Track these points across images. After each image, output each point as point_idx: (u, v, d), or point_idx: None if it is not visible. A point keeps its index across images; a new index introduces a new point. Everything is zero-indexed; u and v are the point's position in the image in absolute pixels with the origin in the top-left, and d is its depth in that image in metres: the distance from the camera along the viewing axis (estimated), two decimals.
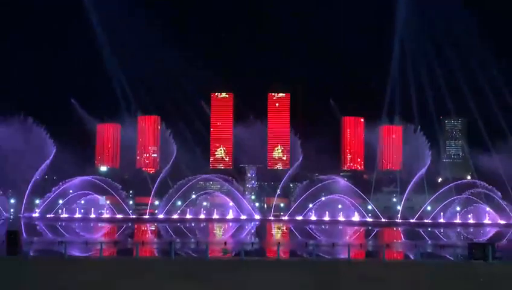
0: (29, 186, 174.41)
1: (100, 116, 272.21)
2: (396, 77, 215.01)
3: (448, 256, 66.28)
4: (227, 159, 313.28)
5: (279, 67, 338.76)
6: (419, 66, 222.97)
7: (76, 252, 64.14)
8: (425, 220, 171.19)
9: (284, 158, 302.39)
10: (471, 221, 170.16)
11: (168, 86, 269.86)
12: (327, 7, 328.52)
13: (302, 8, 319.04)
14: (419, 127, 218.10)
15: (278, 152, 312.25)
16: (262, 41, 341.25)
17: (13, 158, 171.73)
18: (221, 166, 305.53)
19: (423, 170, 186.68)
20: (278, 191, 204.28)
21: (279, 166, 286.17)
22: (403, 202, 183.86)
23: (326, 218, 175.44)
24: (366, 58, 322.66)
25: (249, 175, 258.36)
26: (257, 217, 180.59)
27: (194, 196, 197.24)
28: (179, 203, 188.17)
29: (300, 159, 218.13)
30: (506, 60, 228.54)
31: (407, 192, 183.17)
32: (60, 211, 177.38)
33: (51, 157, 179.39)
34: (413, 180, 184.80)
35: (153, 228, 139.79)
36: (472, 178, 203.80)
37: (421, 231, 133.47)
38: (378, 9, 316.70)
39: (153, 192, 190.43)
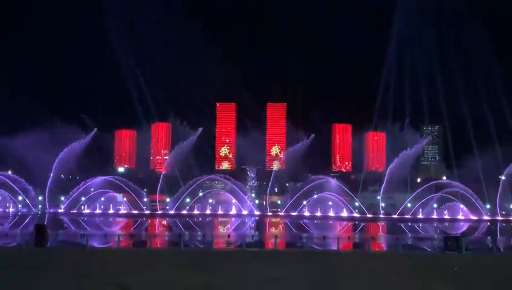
0: (48, 183, 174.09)
1: (117, 123, 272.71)
2: (385, 88, 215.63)
3: (426, 248, 66.14)
4: (230, 156, 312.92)
5: (279, 68, 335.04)
6: (404, 79, 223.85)
7: (96, 244, 64.02)
8: (406, 216, 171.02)
9: (281, 155, 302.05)
10: (446, 217, 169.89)
11: (178, 96, 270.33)
12: (326, 7, 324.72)
13: (302, 8, 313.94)
14: (401, 132, 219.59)
15: (275, 150, 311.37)
16: (262, 41, 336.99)
17: (43, 160, 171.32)
18: (225, 165, 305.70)
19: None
20: (269, 188, 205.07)
21: (275, 165, 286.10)
22: (381, 198, 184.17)
23: (318, 214, 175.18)
24: (363, 61, 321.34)
25: (250, 175, 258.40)
26: (257, 212, 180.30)
27: (201, 194, 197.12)
28: (188, 200, 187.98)
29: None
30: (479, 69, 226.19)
31: (382, 189, 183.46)
32: (82, 207, 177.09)
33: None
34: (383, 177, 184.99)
35: (165, 223, 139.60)
36: (447, 179, 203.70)
37: (402, 225, 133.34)
38: (375, 13, 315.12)
39: (158, 190, 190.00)
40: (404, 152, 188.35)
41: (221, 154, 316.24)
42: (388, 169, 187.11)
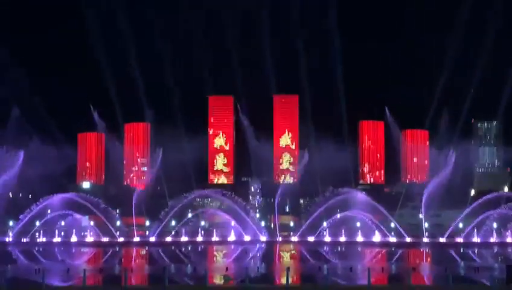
0: None
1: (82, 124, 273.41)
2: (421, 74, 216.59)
3: (483, 280, 66.20)
4: (227, 170, 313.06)
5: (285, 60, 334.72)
6: (445, 62, 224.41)
7: (56, 282, 64.20)
8: (457, 239, 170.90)
9: (291, 168, 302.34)
10: (510, 240, 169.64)
11: (159, 89, 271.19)
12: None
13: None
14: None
15: (286, 159, 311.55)
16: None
17: None
18: (221, 178, 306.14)
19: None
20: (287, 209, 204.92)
21: (286, 177, 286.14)
22: (425, 218, 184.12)
23: (343, 239, 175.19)
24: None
25: (253, 190, 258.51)
26: (263, 238, 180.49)
27: (190, 215, 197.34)
28: (173, 223, 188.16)
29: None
30: None
31: (423, 205, 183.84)
32: (36, 234, 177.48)
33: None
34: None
35: (144, 253, 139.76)
36: (510, 190, 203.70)
37: (451, 251, 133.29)
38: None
39: (133, 209, 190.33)
40: (443, 172, 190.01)
41: (215, 163, 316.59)
42: (430, 184, 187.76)
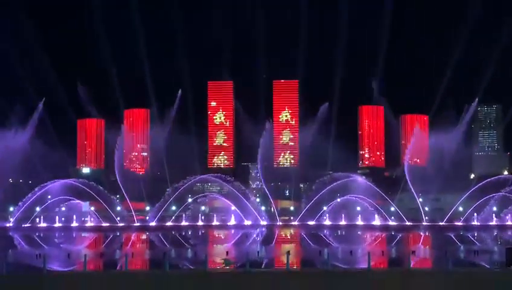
0: None
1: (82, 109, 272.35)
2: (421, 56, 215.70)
3: (483, 263, 66.34)
4: (227, 146, 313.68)
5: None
6: (446, 43, 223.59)
7: (56, 267, 64.33)
8: (457, 223, 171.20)
9: (292, 144, 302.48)
10: (510, 223, 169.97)
11: (160, 74, 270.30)
12: None
13: None
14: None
15: (286, 136, 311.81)
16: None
17: None
18: (222, 161, 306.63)
19: None
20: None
21: (286, 159, 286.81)
22: (425, 201, 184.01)
23: (343, 222, 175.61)
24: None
25: (253, 175, 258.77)
26: (263, 222, 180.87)
27: (190, 200, 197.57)
28: (173, 208, 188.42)
29: None
30: None
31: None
32: (37, 219, 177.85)
33: None
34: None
35: (144, 237, 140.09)
36: (510, 173, 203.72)
37: (451, 235, 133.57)
38: None
39: (126, 194, 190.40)
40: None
41: (215, 144, 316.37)
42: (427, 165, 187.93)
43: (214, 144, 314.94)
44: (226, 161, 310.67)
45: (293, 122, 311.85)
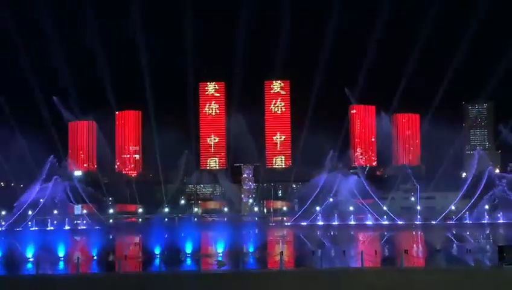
0: None
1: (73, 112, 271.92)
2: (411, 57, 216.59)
3: (475, 261, 66.55)
4: (218, 140, 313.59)
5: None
6: (437, 43, 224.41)
7: (49, 270, 64.12)
8: (449, 222, 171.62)
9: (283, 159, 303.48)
10: (502, 221, 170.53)
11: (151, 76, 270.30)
12: None
13: None
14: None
15: (278, 139, 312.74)
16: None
17: None
18: (214, 163, 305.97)
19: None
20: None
21: (279, 161, 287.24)
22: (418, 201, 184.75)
23: (336, 222, 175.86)
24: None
25: (245, 175, 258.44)
26: (256, 223, 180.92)
27: (183, 202, 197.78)
28: (166, 210, 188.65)
29: None
30: None
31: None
32: (29, 223, 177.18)
33: None
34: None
35: (137, 239, 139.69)
36: (501, 171, 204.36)
37: (444, 234, 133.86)
38: None
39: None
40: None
41: (208, 143, 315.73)
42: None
43: (207, 144, 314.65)
44: (218, 162, 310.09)
45: (286, 122, 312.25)
